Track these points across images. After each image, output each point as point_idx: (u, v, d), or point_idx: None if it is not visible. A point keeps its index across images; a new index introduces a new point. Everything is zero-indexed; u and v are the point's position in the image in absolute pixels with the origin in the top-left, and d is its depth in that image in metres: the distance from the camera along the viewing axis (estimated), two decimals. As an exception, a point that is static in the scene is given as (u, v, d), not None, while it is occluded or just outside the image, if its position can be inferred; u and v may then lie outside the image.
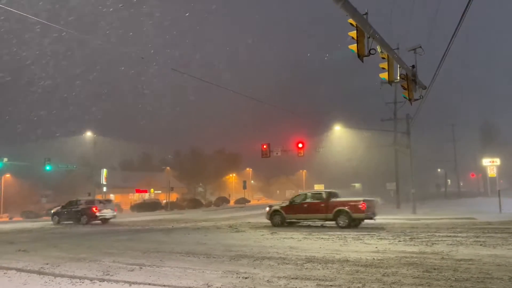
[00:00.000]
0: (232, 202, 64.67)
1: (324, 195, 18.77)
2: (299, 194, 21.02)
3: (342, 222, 17.27)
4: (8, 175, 57.94)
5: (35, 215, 44.69)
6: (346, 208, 17.35)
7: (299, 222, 19.34)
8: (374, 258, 9.12)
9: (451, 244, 11.08)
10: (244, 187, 52.73)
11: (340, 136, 40.06)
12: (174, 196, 60.48)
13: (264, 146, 28.30)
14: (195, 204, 54.39)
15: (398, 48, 11.92)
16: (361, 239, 12.84)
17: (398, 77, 11.78)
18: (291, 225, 19.23)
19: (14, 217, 46.31)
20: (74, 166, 44.77)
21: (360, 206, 17.14)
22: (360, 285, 6.66)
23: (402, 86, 12.38)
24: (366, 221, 18.01)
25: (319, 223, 18.86)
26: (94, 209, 26.42)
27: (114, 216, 27.84)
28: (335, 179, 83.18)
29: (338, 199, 18.30)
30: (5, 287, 7.56)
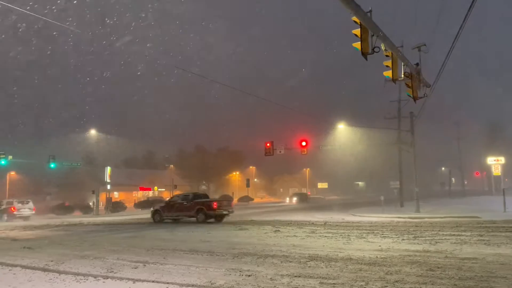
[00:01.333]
0: (235, 200, 64.73)
1: (190, 197, 22.76)
2: (173, 197, 25.36)
3: (200, 218, 21.26)
4: (13, 173, 58.31)
5: (40, 211, 44.83)
6: (203, 207, 21.33)
7: (175, 218, 22.76)
8: (377, 257, 9.11)
9: (455, 243, 11.05)
10: (248, 185, 52.81)
11: (343, 134, 39.98)
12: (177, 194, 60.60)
13: (268, 144, 28.28)
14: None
15: (402, 46, 11.88)
16: (364, 237, 12.83)
17: (402, 75, 11.73)
18: (165, 221, 22.77)
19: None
20: (78, 164, 44.90)
21: (212, 205, 21.32)
22: (363, 283, 6.66)
23: (406, 84, 12.33)
24: (373, 218, 18.01)
25: (187, 219, 22.33)
26: (12, 208, 31.54)
27: (31, 214, 32.71)
28: (338, 178, 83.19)
29: (200, 200, 22.35)
30: (11, 283, 7.62)
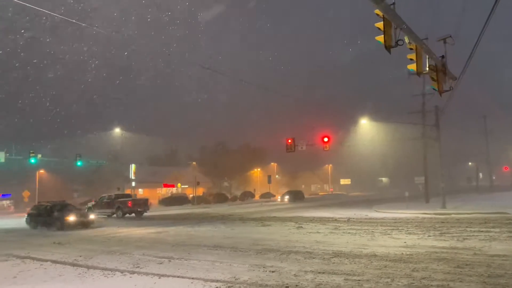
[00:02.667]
0: (257, 197, 64.84)
1: (113, 197, 27.75)
2: (102, 196, 29.20)
3: (118, 214, 26.14)
4: (42, 171, 60.05)
5: (68, 209, 46.19)
6: (121, 205, 26.33)
7: (102, 214, 26.22)
8: (402, 253, 8.97)
9: (483, 240, 10.77)
10: (269, 182, 52.67)
11: (366, 129, 39.42)
12: (200, 191, 61.19)
13: (289, 141, 28.14)
14: (221, 198, 54.81)
15: (427, 38, 11.58)
16: (389, 234, 12.65)
17: (427, 68, 11.45)
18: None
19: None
20: (104, 162, 45.94)
21: (128, 203, 26.26)
22: (388, 280, 6.58)
23: (431, 77, 12.02)
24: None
25: (110, 215, 26.31)
26: None
27: None
28: (361, 173, 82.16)
29: (120, 199, 27.19)
30: (42, 277, 7.88)
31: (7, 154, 30.17)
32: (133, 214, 26.79)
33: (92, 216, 20.42)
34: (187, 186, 63.86)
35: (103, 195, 30.24)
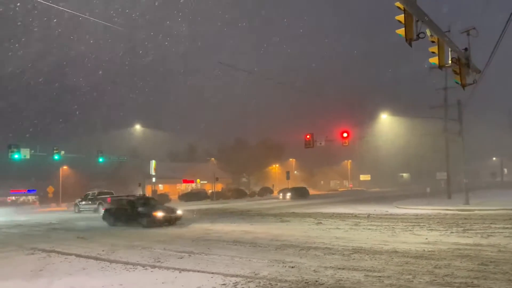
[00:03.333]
0: (275, 193, 64.81)
1: (96, 194, 31.53)
2: (87, 194, 32.77)
3: (97, 209, 28.50)
4: (65, 167, 61.52)
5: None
6: (102, 201, 28.50)
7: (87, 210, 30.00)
8: (424, 250, 8.84)
9: (508, 236, 10.50)
10: (288, 178, 52.58)
11: (386, 124, 38.85)
12: (219, 186, 61.58)
13: (308, 136, 28.00)
14: (239, 194, 54.98)
15: (449, 31, 11.30)
16: (410, 230, 12.48)
17: (450, 61, 11.19)
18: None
19: (71, 207, 49.15)
20: (125, 158, 46.68)
21: (107, 200, 26.29)
22: (410, 276, 6.50)
23: (453, 70, 11.75)
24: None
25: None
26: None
27: None
28: (381, 169, 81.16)
29: (100, 196, 30.27)
30: (67, 271, 8.09)
31: (32, 151, 30.99)
32: None
33: (179, 212, 17.94)
34: (206, 181, 64.41)
35: (88, 192, 33.45)
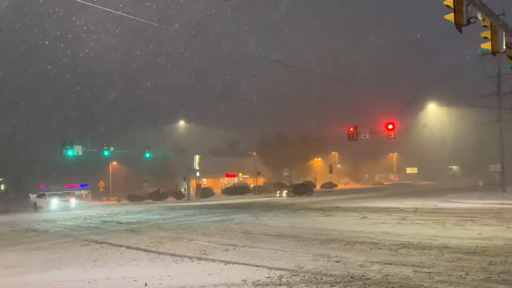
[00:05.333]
0: (318, 187, 64.26)
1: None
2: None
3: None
4: (115, 163, 64.32)
5: (139, 198, 49.15)
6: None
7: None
8: (477, 245, 8.43)
9: None
10: (330, 171, 51.92)
11: (434, 115, 37.24)
12: (261, 180, 61.94)
13: (351, 129, 27.47)
14: (281, 188, 55.09)
15: (503, 14, 10.66)
16: (462, 225, 11.94)
17: (504, 47, 10.54)
18: None
19: (121, 200, 51.43)
20: (170, 153, 48.04)
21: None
22: (462, 273, 6.22)
23: (508, 56, 11.07)
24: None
25: None
26: None
27: None
28: (429, 162, 78.13)
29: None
30: (118, 261, 8.48)
31: (84, 148, 32.64)
32: None
33: None
34: (248, 176, 65.01)
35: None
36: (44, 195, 33.11)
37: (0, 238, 14.46)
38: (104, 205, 43.25)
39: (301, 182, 47.24)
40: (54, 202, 31.54)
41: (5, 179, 73.00)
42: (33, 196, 35.93)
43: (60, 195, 34.11)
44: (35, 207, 32.79)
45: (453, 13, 8.55)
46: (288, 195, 38.47)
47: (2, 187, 74.78)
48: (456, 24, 8.51)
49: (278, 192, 41.90)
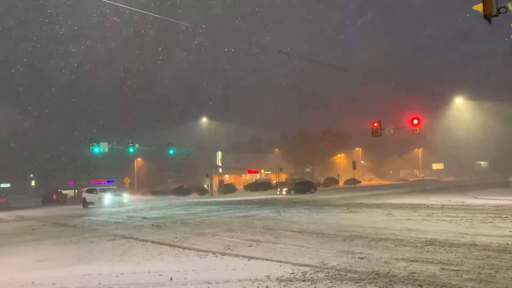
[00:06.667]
0: (341, 183, 63.69)
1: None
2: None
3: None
4: (139, 159, 65.56)
5: (163, 193, 49.92)
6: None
7: None
8: (508, 243, 8.18)
9: None
10: (354, 168, 51.36)
11: (461, 109, 36.25)
12: (283, 177, 61.85)
13: (375, 124, 27.06)
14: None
15: (536, 3, 10.22)
16: (490, 222, 11.61)
17: (536, 37, 10.13)
18: None
19: (145, 196, 52.37)
20: (193, 150, 48.54)
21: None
22: (492, 271, 6.05)
23: (541, 47, 10.65)
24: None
25: None
26: None
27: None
28: (456, 157, 76.14)
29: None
30: (144, 256, 8.65)
31: (110, 145, 33.39)
32: None
33: None
34: (270, 172, 65.08)
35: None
36: (94, 190, 30.71)
37: (33, 232, 15.01)
38: (129, 200, 44.17)
39: (303, 179, 46.00)
40: (107, 198, 28.91)
41: (35, 176, 75.63)
42: (84, 192, 33.15)
43: (112, 190, 31.70)
44: (84, 203, 30.88)
45: (481, 3, 8.28)
46: (288, 192, 36.83)
47: (33, 183, 77.47)
48: (485, 14, 8.24)
49: (278, 189, 40.30)
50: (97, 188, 30.77)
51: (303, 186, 38.29)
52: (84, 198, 31.02)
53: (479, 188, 30.75)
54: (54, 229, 15.67)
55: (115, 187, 38.12)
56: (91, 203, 29.96)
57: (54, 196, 48.15)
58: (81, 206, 31.55)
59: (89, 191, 31.34)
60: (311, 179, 49.32)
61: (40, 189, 68.85)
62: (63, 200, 47.62)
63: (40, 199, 49.23)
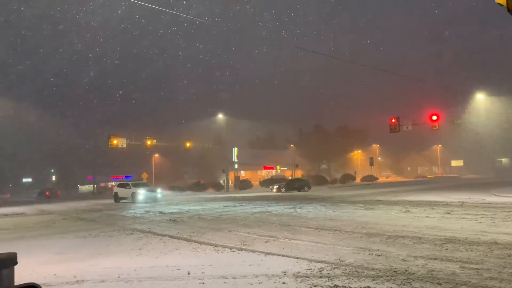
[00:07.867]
0: (358, 180, 63.12)
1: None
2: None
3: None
4: (157, 155, 66.29)
5: (180, 189, 50.42)
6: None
7: None
8: (530, 242, 7.99)
9: None
10: (371, 164, 50.84)
11: (483, 105, 35.41)
12: (299, 173, 61.67)
13: (393, 120, 26.69)
14: (320, 180, 54.50)
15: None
16: (512, 221, 11.35)
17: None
18: None
19: (163, 191, 52.97)
20: (209, 146, 48.82)
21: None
22: (514, 270, 5.92)
23: None
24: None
25: None
26: None
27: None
28: (476, 154, 74.57)
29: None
30: (162, 250, 8.77)
31: (128, 141, 33.84)
32: None
33: None
34: (285, 168, 64.94)
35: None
36: (127, 184, 29.70)
37: (54, 226, 15.38)
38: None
39: (297, 178, 46.90)
40: (141, 193, 27.61)
41: (56, 170, 77.26)
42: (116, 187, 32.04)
43: (145, 185, 30.87)
44: (116, 198, 29.87)
45: (505, -4, 8.04)
46: (279, 190, 36.41)
47: (54, 178, 79.19)
48: (508, 8, 8.00)
49: (270, 186, 39.90)
50: (130, 183, 29.91)
51: (296, 184, 38.53)
52: (116, 193, 30.19)
53: (501, 185, 30.07)
54: (74, 223, 16.02)
55: (145, 182, 36.88)
56: (124, 198, 29.25)
57: (47, 192, 56.69)
58: (101, 201, 32.17)
59: (121, 185, 30.46)
60: (306, 178, 49.46)
61: (61, 183, 70.39)
62: (54, 196, 54.80)
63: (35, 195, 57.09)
